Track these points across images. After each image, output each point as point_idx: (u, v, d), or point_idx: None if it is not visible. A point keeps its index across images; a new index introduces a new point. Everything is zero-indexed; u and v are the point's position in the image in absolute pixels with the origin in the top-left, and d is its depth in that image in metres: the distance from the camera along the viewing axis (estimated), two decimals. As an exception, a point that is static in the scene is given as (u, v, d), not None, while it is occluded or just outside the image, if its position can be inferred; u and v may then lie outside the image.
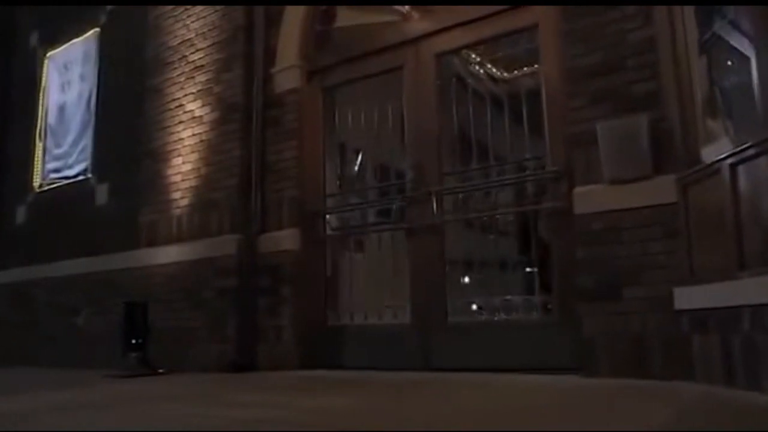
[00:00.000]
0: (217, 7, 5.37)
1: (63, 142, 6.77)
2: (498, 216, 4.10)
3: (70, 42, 6.92)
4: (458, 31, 4.27)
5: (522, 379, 3.37)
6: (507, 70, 4.18)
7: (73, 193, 6.46)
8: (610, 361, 3.29)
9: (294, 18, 5.03)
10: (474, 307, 3.99)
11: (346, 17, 4.93)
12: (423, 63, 4.39)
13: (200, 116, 5.32)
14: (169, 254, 5.25)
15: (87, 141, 6.49)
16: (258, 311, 4.72)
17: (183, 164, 5.37)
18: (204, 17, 5.46)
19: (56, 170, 6.79)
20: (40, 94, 7.17)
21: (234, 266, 4.78)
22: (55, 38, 7.12)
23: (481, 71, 4.35)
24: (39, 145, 7.05)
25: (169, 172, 5.46)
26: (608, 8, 3.58)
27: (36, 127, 7.12)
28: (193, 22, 5.55)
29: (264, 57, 5.11)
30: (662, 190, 3.27)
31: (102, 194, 6.16)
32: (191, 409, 2.76)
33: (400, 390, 3.25)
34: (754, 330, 2.62)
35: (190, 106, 5.41)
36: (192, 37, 5.52)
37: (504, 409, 2.48)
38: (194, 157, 5.29)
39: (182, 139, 5.41)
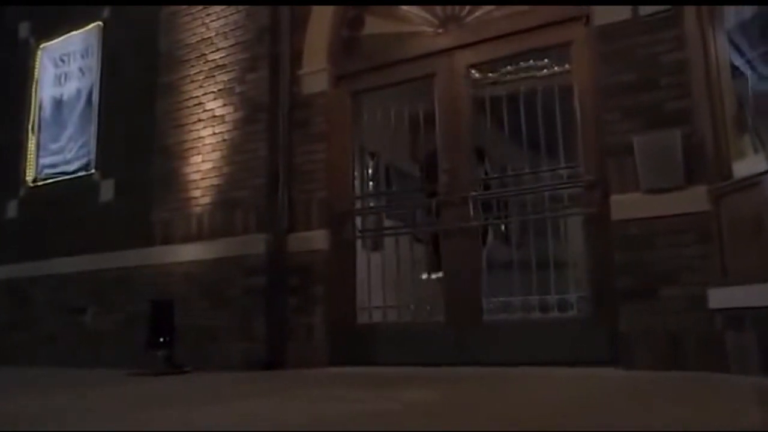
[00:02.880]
0: (240, 7, 5.41)
1: (60, 137, 6.62)
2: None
3: (68, 34, 6.76)
4: (491, 44, 4.50)
5: (569, 372, 3.61)
6: (539, 81, 4.41)
7: (73, 188, 6.33)
8: (646, 355, 3.58)
9: (321, 22, 5.14)
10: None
11: (374, 25, 5.07)
12: (455, 73, 4.60)
13: (222, 115, 5.35)
14: (188, 252, 5.25)
15: (88, 136, 6.37)
16: (287, 310, 4.81)
17: (202, 162, 5.38)
18: (225, 17, 5.49)
19: (52, 165, 6.62)
20: (33, 87, 6.96)
21: (263, 265, 4.85)
22: (49, 30, 6.94)
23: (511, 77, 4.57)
24: (32, 139, 6.85)
25: (187, 170, 5.46)
26: (641, 32, 3.90)
27: (28, 120, 6.91)
28: (213, 21, 5.57)
29: (290, 59, 5.19)
30: (695, 199, 3.59)
31: (107, 190, 6.07)
32: (285, 403, 2.86)
33: (470, 383, 3.42)
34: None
35: (210, 105, 5.43)
36: (212, 36, 5.54)
37: (589, 400, 2.69)
38: (215, 155, 5.32)
39: (202, 137, 5.43)
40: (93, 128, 6.33)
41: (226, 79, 5.39)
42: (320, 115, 5.05)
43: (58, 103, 6.74)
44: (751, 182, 3.34)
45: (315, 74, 5.11)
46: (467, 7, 4.68)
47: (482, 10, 4.62)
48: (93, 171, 6.24)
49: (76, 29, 6.71)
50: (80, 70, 6.62)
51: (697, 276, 3.53)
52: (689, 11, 3.77)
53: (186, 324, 4.96)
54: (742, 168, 3.48)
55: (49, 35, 6.95)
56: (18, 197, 6.78)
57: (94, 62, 6.50)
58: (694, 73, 3.72)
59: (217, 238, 5.15)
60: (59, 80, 6.78)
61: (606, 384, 3.20)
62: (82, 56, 6.62)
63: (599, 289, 3.90)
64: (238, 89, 5.31)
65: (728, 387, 2.91)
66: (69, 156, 6.49)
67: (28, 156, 6.82)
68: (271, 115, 5.13)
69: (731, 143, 3.56)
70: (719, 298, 3.43)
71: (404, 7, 4.95)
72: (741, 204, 3.40)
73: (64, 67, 6.76)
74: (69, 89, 6.67)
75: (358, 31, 5.14)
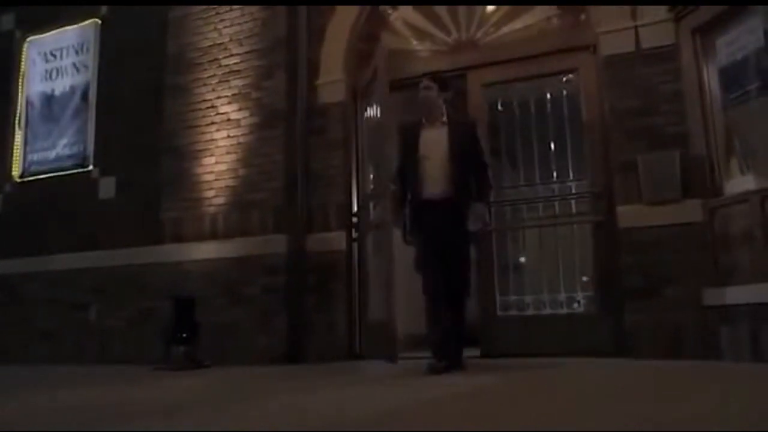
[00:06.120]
0: (256, 15, 5.61)
1: (51, 132, 6.54)
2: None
3: (60, 29, 6.69)
4: (503, 66, 4.95)
5: (589, 361, 4.07)
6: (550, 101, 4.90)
7: (67, 185, 6.29)
8: (651, 346, 4.12)
9: (338, 35, 5.43)
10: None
11: (390, 41, 5.40)
12: (470, 90, 5.01)
13: (237, 119, 5.52)
14: (202, 251, 5.39)
15: (84, 133, 6.35)
16: (307, 307, 5.07)
17: (216, 164, 5.53)
18: (240, 24, 5.67)
19: (41, 161, 6.53)
20: (19, 81, 6.83)
21: (283, 264, 5.08)
22: (38, 23, 6.83)
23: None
24: (18, 134, 6.71)
25: (199, 170, 5.59)
26: (643, 64, 4.45)
27: (13, 114, 6.77)
28: (226, 27, 5.72)
29: (307, 68, 5.45)
30: (691, 211, 4.17)
31: (108, 188, 6.09)
32: (366, 392, 3.15)
33: (511, 370, 3.81)
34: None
35: (224, 109, 5.59)
36: (225, 41, 5.70)
37: (657, 387, 3.11)
38: (230, 158, 5.49)
39: (215, 140, 5.58)
40: (90, 125, 6.32)
41: (240, 84, 5.57)
42: (337, 123, 5.35)
43: (48, 99, 6.65)
44: (741, 199, 3.94)
45: (331, 84, 5.40)
46: (481, 30, 5.12)
47: (495, 34, 5.07)
48: (90, 168, 6.23)
49: (69, 24, 6.66)
50: (74, 66, 6.57)
51: (694, 277, 4.10)
52: (686, 47, 4.36)
53: (203, 320, 5.10)
54: (732, 186, 4.09)
55: (37, 29, 6.84)
56: (3, 192, 6.63)
57: (90, 59, 6.47)
58: (690, 103, 4.31)
59: (232, 237, 5.32)
60: (49, 75, 6.69)
61: (634, 371, 3.66)
62: (77, 52, 6.57)
63: (606, 288, 4.42)
64: (254, 95, 5.50)
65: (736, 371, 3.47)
66: (62, 152, 6.44)
67: (14, 151, 6.69)
68: (289, 121, 5.36)
69: (722, 164, 4.17)
70: (713, 296, 4.01)
71: (420, 26, 5.33)
72: (731, 217, 4.01)
73: (56, 62, 6.68)
74: (61, 85, 6.61)
75: (375, 46, 5.44)
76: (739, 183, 4.05)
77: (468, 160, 3.87)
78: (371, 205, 4.72)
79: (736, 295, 3.86)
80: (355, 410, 2.47)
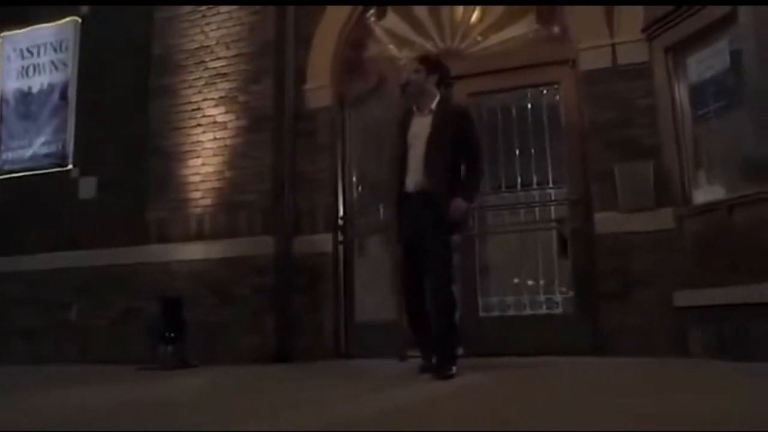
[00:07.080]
0: (244, 20, 5.68)
1: (28, 130, 6.45)
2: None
3: (37, 25, 6.61)
4: (490, 77, 5.15)
5: (571, 360, 4.29)
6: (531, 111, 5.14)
7: (45, 184, 6.22)
8: (624, 345, 4.38)
9: (326, 39, 5.56)
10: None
11: (377, 49, 5.56)
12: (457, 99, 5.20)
13: (224, 122, 5.58)
14: (189, 252, 5.43)
15: (63, 132, 6.29)
16: (295, 307, 5.18)
17: (202, 165, 5.58)
18: (227, 27, 5.73)
19: (17, 159, 6.44)
20: (-8, 76, 6.72)
21: (271, 265, 5.18)
22: (12, 18, 6.71)
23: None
24: (-8, 130, 6.61)
25: (185, 171, 5.63)
26: (619, 79, 4.72)
27: (-14, 111, 6.66)
28: (212, 30, 5.77)
29: (294, 73, 5.56)
30: (663, 218, 4.46)
31: (88, 188, 6.06)
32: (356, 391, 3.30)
33: (501, 369, 4.00)
34: (747, 320, 3.84)
35: (210, 111, 5.64)
36: (212, 44, 5.75)
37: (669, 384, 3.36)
38: (217, 160, 5.54)
39: (201, 141, 5.62)
40: (70, 124, 6.27)
41: (227, 87, 5.63)
42: (324, 128, 5.48)
43: (24, 96, 6.55)
44: (708, 208, 4.25)
45: (319, 90, 5.52)
46: (466, 41, 5.32)
47: (479, 46, 5.28)
48: (70, 167, 6.19)
49: (46, 22, 6.58)
50: (53, 63, 6.50)
51: (665, 280, 4.38)
52: (659, 65, 4.65)
53: (190, 320, 5.13)
54: (700, 195, 4.40)
55: (13, 24, 6.73)
56: (-25, 191, 6.51)
57: (69, 57, 6.42)
58: (662, 117, 4.60)
59: (219, 238, 5.38)
60: (26, 72, 6.60)
61: (617, 369, 3.88)
62: (55, 50, 6.50)
63: (583, 290, 4.68)
64: (241, 98, 5.57)
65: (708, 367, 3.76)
66: (38, 151, 6.37)
67: (-13, 148, 6.58)
68: (276, 125, 5.46)
69: (692, 175, 4.47)
70: (683, 298, 4.31)
71: (406, 35, 5.49)
72: (700, 224, 4.31)
73: (33, 59, 6.59)
74: (38, 82, 6.52)
75: (361, 53, 5.60)
76: (706, 193, 4.36)
77: (452, 151, 3.56)
78: (381, 206, 4.82)
79: (705, 297, 4.15)
80: (353, 410, 2.55)
